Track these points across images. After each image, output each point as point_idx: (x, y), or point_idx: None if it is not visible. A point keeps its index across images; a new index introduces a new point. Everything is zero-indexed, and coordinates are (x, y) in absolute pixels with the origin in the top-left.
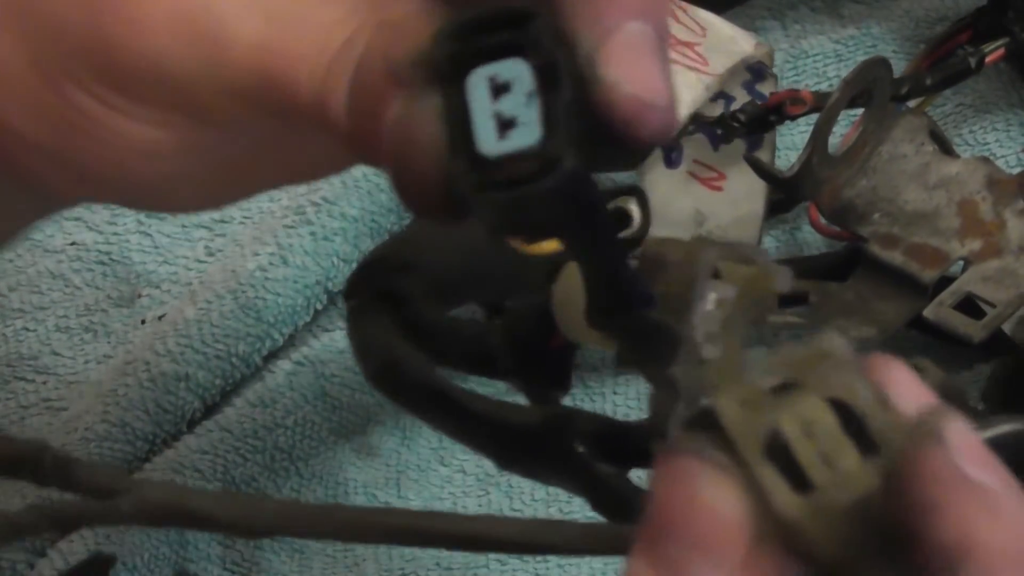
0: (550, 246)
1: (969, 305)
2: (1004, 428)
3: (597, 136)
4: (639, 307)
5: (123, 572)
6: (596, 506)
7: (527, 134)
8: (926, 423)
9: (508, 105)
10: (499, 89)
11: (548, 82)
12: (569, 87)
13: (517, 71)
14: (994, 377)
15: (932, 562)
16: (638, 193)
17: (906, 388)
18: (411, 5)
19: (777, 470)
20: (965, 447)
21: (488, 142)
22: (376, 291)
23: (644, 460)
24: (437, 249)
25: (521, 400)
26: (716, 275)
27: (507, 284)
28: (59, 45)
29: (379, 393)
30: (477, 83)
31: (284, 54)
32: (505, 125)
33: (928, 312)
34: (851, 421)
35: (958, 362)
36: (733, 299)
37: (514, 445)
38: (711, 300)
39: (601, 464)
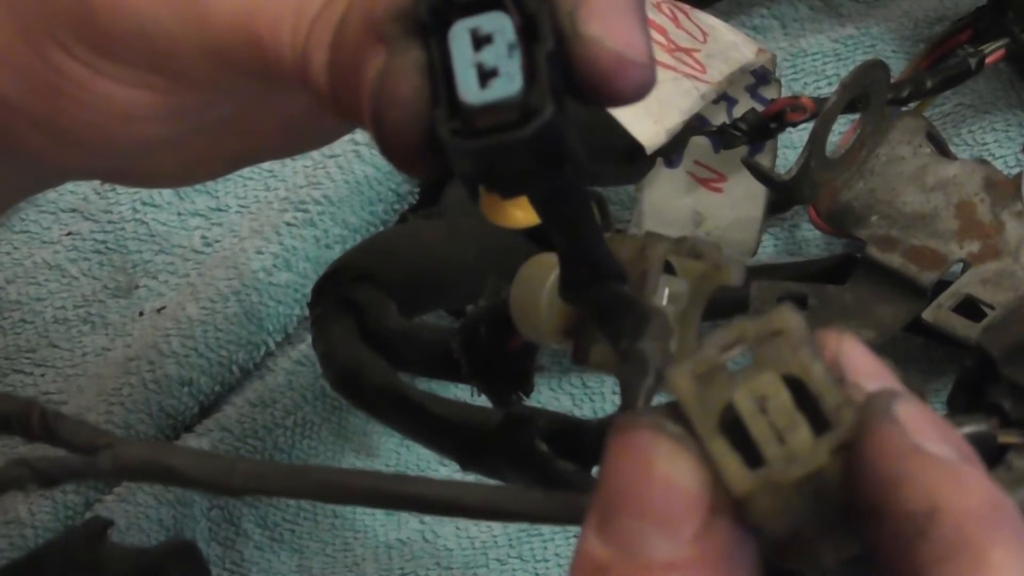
0: (525, 218)
1: (968, 307)
2: (966, 430)
3: (576, 92)
4: (611, 280)
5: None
6: None
7: (508, 84)
8: (875, 402)
9: (490, 56)
10: (481, 41)
11: (529, 35)
12: (550, 40)
13: (499, 23)
14: (958, 382)
15: (901, 530)
16: (596, 196)
17: (860, 362)
18: None
19: (730, 444)
20: (918, 423)
21: (470, 91)
22: (339, 299)
23: None
24: (399, 257)
25: (485, 403)
26: (669, 270)
27: (472, 289)
28: (43, 8)
29: (343, 399)
30: (459, 34)
31: (266, 15)
32: (487, 75)
33: (927, 314)
34: (805, 398)
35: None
36: (686, 294)
37: (475, 445)
38: (664, 295)
39: (562, 462)
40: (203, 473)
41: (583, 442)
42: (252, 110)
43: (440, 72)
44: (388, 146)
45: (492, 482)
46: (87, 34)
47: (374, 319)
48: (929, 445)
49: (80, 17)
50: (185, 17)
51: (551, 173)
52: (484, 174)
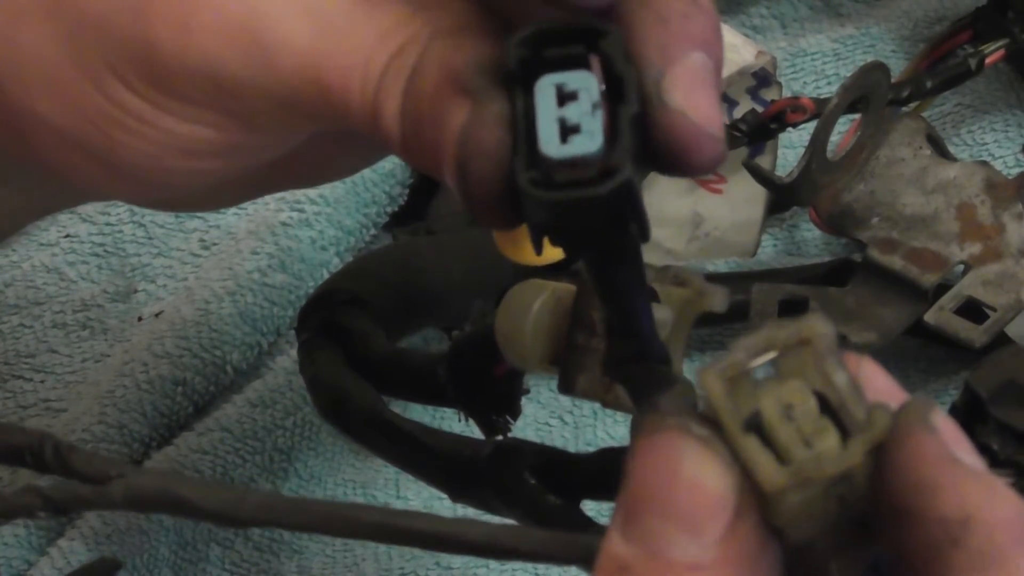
0: (542, 256)
1: (970, 309)
2: None
3: (649, 156)
4: (653, 361)
5: (122, 573)
6: None
7: (589, 141)
8: (914, 409)
9: (573, 112)
10: (566, 97)
11: (614, 96)
12: (635, 104)
13: (586, 82)
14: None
15: (933, 537)
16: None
17: (879, 383)
18: (462, 17)
19: (760, 444)
20: (953, 434)
21: (551, 145)
22: (325, 325)
23: (594, 492)
24: (386, 279)
25: (474, 429)
26: (654, 298)
27: (461, 307)
28: (103, 43)
29: (330, 427)
30: (545, 89)
31: (336, 64)
32: (568, 131)
33: (928, 317)
34: (827, 407)
35: (958, 367)
36: (670, 321)
37: (464, 476)
38: None
39: (551, 496)
40: (213, 505)
41: (573, 476)
42: (309, 149)
43: (523, 124)
44: (470, 194)
45: (497, 519)
46: (149, 70)
47: (361, 344)
48: (963, 456)
49: (143, 54)
50: (252, 62)
51: (618, 232)
52: (555, 226)
